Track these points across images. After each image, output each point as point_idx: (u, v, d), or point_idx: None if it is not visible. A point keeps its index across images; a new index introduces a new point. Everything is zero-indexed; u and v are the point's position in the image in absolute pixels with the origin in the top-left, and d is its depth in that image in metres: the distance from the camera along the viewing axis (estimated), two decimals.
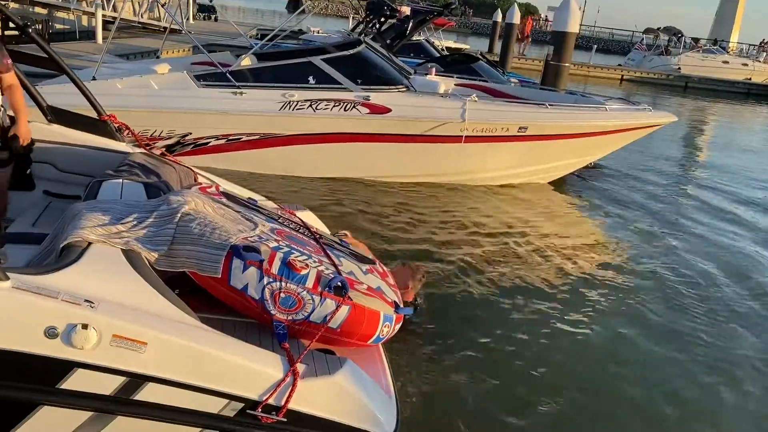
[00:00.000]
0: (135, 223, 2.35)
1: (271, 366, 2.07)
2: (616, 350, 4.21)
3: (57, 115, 3.66)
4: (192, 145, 6.98)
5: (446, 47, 18.77)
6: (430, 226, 6.45)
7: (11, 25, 3.51)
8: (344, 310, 2.33)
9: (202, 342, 2.00)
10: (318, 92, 7.18)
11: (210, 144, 7.08)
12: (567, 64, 11.93)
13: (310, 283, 2.32)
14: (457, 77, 9.26)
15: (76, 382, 1.90)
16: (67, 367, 1.89)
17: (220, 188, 2.94)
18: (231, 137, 7.12)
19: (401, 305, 2.61)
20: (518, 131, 7.43)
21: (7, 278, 1.82)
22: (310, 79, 7.29)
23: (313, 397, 2.09)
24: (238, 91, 7.01)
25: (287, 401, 2.04)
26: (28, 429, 1.94)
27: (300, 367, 2.09)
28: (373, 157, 7.41)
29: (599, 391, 3.71)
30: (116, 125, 3.62)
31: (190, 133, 6.94)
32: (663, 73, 29.41)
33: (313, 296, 2.31)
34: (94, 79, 6.41)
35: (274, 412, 2.06)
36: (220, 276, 2.27)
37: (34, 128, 3.55)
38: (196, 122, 6.86)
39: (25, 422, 1.93)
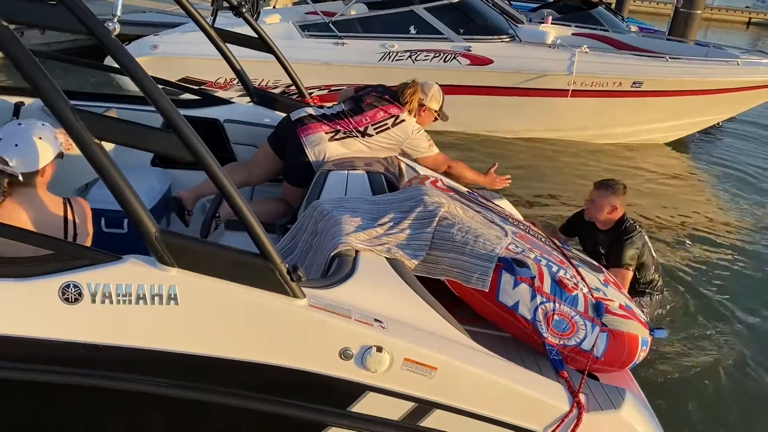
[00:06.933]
0: (391, 224, 2.24)
1: (555, 397, 1.95)
2: None
3: (262, 97, 3.61)
4: (296, 95, 7.11)
5: None
6: (552, 188, 6.16)
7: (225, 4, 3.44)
8: (611, 337, 2.18)
9: (488, 369, 1.91)
10: (418, 42, 7.00)
11: (313, 94, 7.16)
12: (699, 12, 10.50)
13: (581, 306, 2.17)
14: (575, 26, 8.71)
15: (366, 405, 1.84)
16: (360, 390, 1.82)
17: (445, 181, 2.81)
18: (333, 88, 7.14)
19: (649, 322, 2.44)
20: (632, 86, 6.96)
21: (305, 296, 1.76)
22: (412, 28, 7.11)
23: (596, 430, 1.96)
24: (340, 41, 6.97)
25: None
26: None
27: (582, 398, 1.98)
28: (475, 110, 7.18)
29: None
30: (318, 107, 3.53)
31: None
32: None
33: (586, 321, 2.16)
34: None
35: None
36: (487, 290, 2.14)
37: (240, 110, 3.52)
38: (299, 72, 6.94)
39: None
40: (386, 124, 3.13)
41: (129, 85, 5.69)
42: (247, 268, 1.70)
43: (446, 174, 3.20)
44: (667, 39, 9.32)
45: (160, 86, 3.84)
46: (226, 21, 3.81)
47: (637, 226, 3.46)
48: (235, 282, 1.70)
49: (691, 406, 3.22)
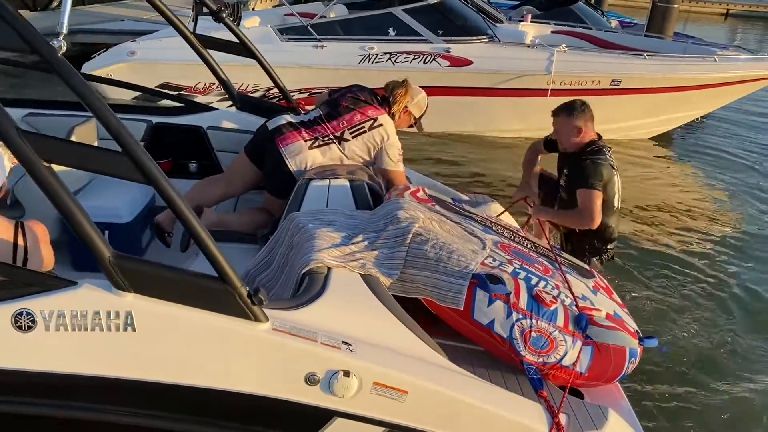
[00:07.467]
0: (366, 243, 2.20)
1: (533, 418, 1.88)
2: None
3: (245, 103, 3.56)
4: (277, 99, 7.09)
5: None
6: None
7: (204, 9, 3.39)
8: (595, 351, 2.10)
9: (462, 391, 1.85)
10: (397, 44, 7.00)
11: (294, 98, 7.14)
12: (676, 6, 10.23)
13: (560, 321, 2.09)
14: (554, 24, 8.72)
15: (333, 431, 1.80)
16: (327, 415, 1.77)
17: (427, 191, 2.75)
18: (312, 91, 7.12)
19: (639, 331, 2.31)
20: (611, 84, 7.00)
21: (267, 320, 1.71)
22: (391, 30, 7.11)
23: None
24: (319, 44, 6.95)
25: None
26: None
27: (562, 418, 1.91)
28: (455, 111, 7.20)
29: None
30: (304, 113, 3.46)
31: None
32: None
33: (566, 336, 2.08)
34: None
35: None
36: (462, 308, 2.09)
37: (224, 116, 3.45)
38: (279, 76, 6.91)
39: None
40: (363, 127, 3.06)
41: (106, 92, 5.62)
42: (206, 292, 1.65)
43: None
44: (646, 35, 9.39)
45: (142, 93, 3.65)
46: (209, 25, 3.78)
47: (607, 154, 3.23)
48: (194, 307, 1.65)
49: (684, 418, 3.13)
